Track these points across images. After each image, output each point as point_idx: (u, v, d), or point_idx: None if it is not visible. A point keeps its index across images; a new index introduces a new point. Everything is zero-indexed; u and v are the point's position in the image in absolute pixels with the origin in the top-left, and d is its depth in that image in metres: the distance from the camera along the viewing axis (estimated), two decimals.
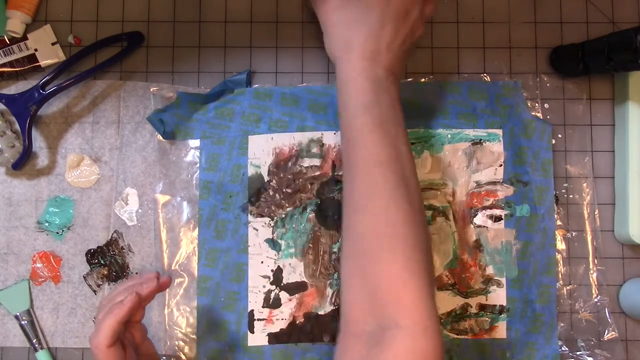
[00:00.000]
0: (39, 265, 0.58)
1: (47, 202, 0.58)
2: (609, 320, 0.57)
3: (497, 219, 0.57)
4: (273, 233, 0.57)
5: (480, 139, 0.58)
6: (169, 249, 0.57)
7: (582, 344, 0.57)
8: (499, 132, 0.58)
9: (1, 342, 0.57)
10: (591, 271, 0.58)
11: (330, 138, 0.57)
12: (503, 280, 0.57)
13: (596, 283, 0.57)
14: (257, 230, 0.57)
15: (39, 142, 0.59)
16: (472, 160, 0.58)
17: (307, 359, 0.56)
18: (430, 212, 0.57)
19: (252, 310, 0.56)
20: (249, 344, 0.56)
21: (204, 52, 0.60)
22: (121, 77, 0.59)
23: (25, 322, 0.57)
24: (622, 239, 0.57)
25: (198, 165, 0.58)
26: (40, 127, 0.59)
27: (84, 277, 0.58)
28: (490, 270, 0.57)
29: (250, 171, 0.57)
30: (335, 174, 0.57)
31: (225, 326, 0.56)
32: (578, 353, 0.57)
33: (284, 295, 0.56)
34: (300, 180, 0.57)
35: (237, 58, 0.60)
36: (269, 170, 0.57)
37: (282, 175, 0.57)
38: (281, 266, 0.57)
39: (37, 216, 0.58)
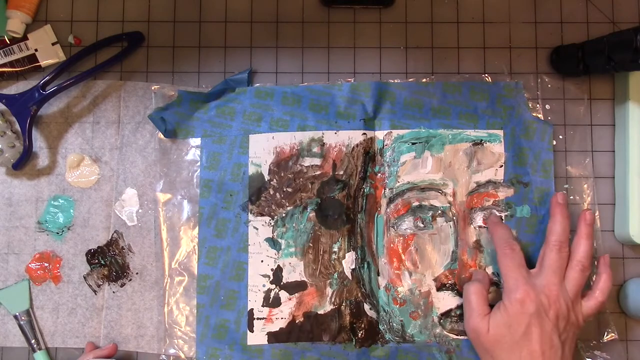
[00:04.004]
0: (39, 265, 0.58)
1: (47, 202, 0.58)
2: (609, 322, 0.57)
3: None
4: (273, 232, 0.57)
5: (481, 140, 0.58)
6: (169, 247, 0.57)
7: (582, 345, 0.57)
8: (500, 132, 0.58)
9: (1, 342, 0.57)
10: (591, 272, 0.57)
11: (331, 137, 0.57)
12: None
13: None
14: (257, 229, 0.57)
15: (39, 142, 0.59)
16: (472, 161, 0.58)
17: (306, 358, 0.56)
18: (431, 213, 0.57)
19: (252, 309, 0.56)
20: (249, 343, 0.56)
21: (204, 52, 0.60)
22: (121, 77, 0.59)
23: (24, 322, 0.57)
24: (622, 239, 0.57)
25: (199, 163, 0.58)
26: (41, 127, 0.59)
27: (84, 277, 0.58)
28: (490, 270, 0.57)
29: (251, 170, 0.57)
30: (336, 173, 0.57)
31: (225, 325, 0.56)
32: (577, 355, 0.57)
33: (283, 295, 0.56)
34: (301, 179, 0.57)
35: (237, 58, 0.60)
36: (269, 169, 0.57)
37: (282, 174, 0.57)
38: (281, 265, 0.57)
39: (37, 216, 0.58)
